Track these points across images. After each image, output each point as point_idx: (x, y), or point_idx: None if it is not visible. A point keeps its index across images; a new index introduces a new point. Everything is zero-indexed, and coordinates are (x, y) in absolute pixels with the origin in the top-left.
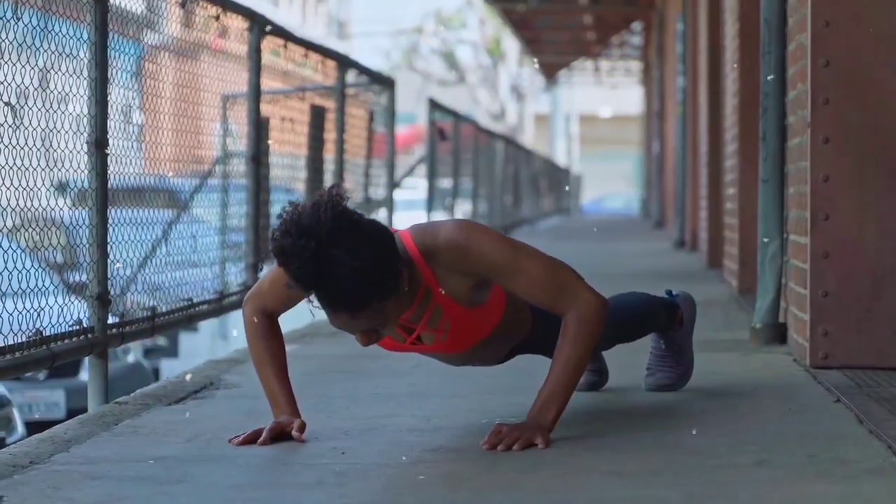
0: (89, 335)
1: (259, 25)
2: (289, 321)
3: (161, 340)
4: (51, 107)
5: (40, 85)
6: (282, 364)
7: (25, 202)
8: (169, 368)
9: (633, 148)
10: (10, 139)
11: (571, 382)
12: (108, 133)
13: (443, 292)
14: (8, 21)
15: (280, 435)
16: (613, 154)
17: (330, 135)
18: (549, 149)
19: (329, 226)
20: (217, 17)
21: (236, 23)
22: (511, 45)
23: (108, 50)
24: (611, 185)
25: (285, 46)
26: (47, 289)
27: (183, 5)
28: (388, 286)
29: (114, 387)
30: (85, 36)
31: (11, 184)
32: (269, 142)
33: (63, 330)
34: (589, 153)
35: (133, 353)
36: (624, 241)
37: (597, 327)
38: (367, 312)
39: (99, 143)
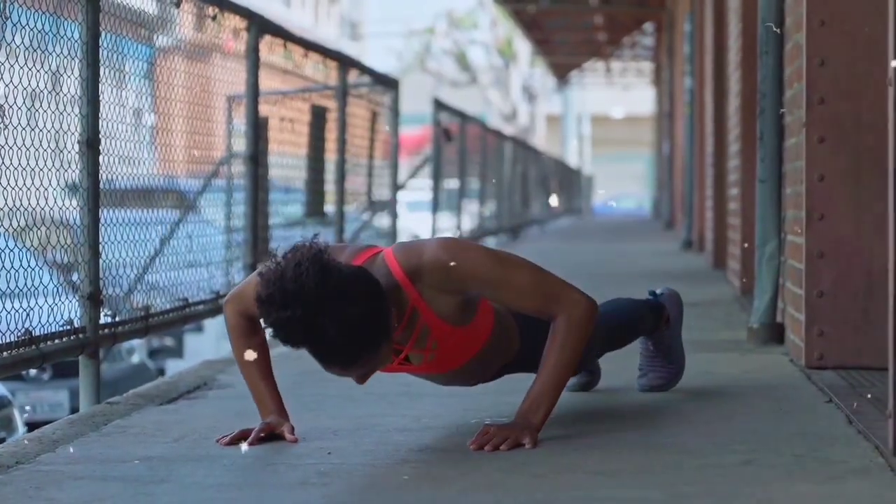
0: (80, 335)
1: (257, 25)
2: None
3: (168, 340)
4: (64, 109)
5: (54, 88)
6: (266, 364)
7: (30, 202)
8: (174, 369)
9: (646, 149)
10: (15, 140)
11: (561, 383)
12: (100, 133)
13: (430, 311)
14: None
15: (269, 436)
16: (626, 155)
17: (332, 135)
18: (560, 149)
19: (313, 292)
20: (214, 18)
21: (233, 22)
22: (522, 46)
23: (101, 49)
24: (623, 186)
25: (285, 46)
26: (37, 288)
27: (178, 5)
28: (378, 339)
29: (118, 388)
30: (77, 35)
31: (16, 184)
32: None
33: (55, 329)
34: (601, 154)
35: (137, 353)
36: (633, 242)
37: (587, 328)
38: (358, 365)
39: (91, 143)
